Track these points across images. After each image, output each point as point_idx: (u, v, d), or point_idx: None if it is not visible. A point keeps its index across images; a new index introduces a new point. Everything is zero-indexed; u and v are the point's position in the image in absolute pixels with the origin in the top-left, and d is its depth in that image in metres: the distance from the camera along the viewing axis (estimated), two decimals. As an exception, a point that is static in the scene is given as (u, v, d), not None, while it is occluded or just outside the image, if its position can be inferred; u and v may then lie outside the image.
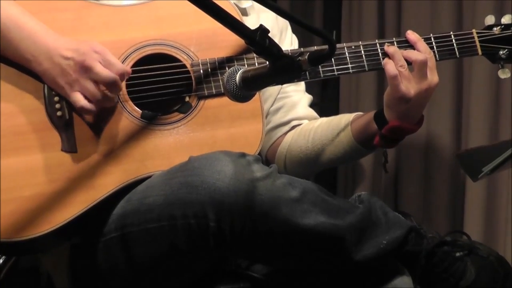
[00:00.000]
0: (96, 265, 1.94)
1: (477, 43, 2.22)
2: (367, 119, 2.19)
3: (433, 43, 2.17)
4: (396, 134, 2.13)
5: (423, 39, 2.16)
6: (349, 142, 2.21)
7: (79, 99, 1.88)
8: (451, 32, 2.21)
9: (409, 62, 2.10)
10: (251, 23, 2.00)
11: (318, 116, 2.40)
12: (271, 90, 2.29)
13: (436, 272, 1.97)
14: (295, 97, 2.36)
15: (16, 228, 1.85)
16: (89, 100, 1.89)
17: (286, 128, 2.35)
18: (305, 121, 2.36)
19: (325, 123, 2.29)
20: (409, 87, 2.07)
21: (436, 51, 2.17)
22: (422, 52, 2.11)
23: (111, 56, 1.90)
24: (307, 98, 2.40)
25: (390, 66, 2.08)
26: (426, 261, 1.96)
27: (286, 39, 2.37)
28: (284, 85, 2.33)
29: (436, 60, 2.17)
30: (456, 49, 2.20)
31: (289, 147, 2.32)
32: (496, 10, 2.95)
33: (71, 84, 1.89)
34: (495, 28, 2.25)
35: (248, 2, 2.28)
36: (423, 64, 2.08)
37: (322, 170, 2.42)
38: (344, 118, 2.25)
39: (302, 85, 2.39)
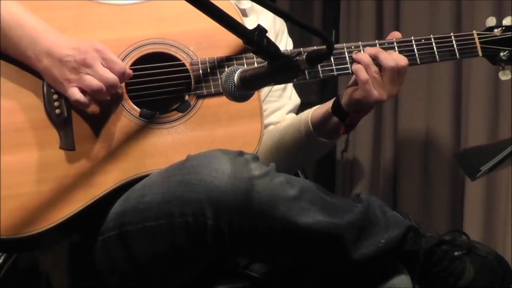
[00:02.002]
0: (95, 263, 1.94)
1: (478, 45, 2.21)
2: (325, 112, 2.17)
3: (433, 43, 2.17)
4: (355, 121, 2.15)
5: (423, 40, 2.16)
6: (309, 136, 2.20)
7: (75, 93, 1.88)
8: (452, 33, 2.20)
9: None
10: (250, 24, 2.00)
11: None
12: (261, 92, 2.28)
13: (435, 271, 1.97)
14: (279, 103, 2.35)
15: (14, 225, 1.85)
16: (85, 94, 1.89)
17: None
18: None
19: (288, 122, 2.29)
20: (382, 92, 2.07)
21: (436, 52, 2.16)
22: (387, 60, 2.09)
23: (111, 54, 1.91)
24: (292, 104, 2.38)
25: (361, 72, 2.07)
26: (425, 260, 1.96)
27: (281, 43, 2.37)
28: (273, 89, 2.33)
29: (437, 61, 2.17)
30: (456, 50, 2.18)
31: (258, 149, 2.31)
32: (494, 10, 2.96)
33: (69, 80, 1.89)
34: (496, 30, 2.23)
35: (247, 3, 2.28)
36: (394, 70, 2.07)
37: (291, 169, 2.41)
38: (304, 114, 2.25)
39: (289, 89, 2.39)
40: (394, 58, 2.07)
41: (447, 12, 3.14)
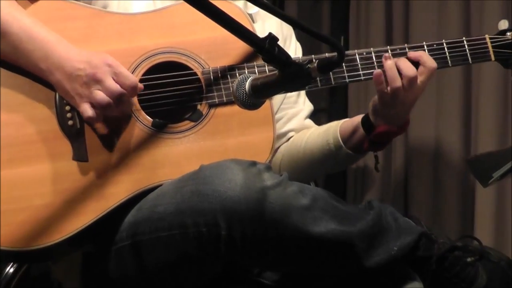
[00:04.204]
0: (107, 273, 1.95)
1: (490, 49, 2.19)
2: (354, 125, 2.20)
3: (445, 49, 2.16)
4: (383, 138, 2.16)
5: (435, 45, 2.16)
6: (338, 149, 2.22)
7: (87, 109, 1.89)
8: (464, 38, 2.19)
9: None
10: (257, 30, 2.01)
11: (316, 126, 2.40)
12: (276, 99, 2.29)
13: (447, 277, 1.97)
14: (295, 109, 2.37)
15: (28, 237, 1.85)
16: (96, 109, 1.90)
17: (284, 139, 2.35)
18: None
19: (315, 132, 2.30)
20: (399, 99, 2.09)
21: (448, 57, 2.15)
22: (428, 63, 2.10)
23: (123, 69, 1.91)
24: (307, 109, 2.40)
25: (381, 82, 2.09)
26: (437, 266, 1.96)
27: (291, 48, 2.37)
28: (287, 95, 2.34)
29: (449, 66, 2.16)
30: (468, 55, 2.17)
31: (283, 157, 2.32)
32: (503, 10, 2.95)
33: (81, 95, 1.90)
34: (508, 33, 2.22)
35: (254, 8, 2.27)
36: (413, 79, 2.08)
37: (313, 178, 2.41)
38: (333, 126, 2.26)
39: (302, 95, 2.40)
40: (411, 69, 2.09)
41: (456, 12, 3.13)
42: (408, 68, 2.08)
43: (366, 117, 2.18)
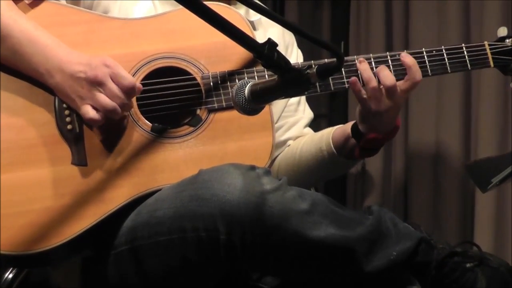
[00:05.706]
0: (107, 278, 1.94)
1: (489, 55, 2.19)
2: (346, 132, 2.20)
3: (445, 55, 2.16)
4: (374, 145, 2.16)
5: (434, 51, 2.16)
6: (331, 156, 2.23)
7: (88, 111, 1.89)
8: (463, 44, 2.19)
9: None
10: (259, 37, 2.01)
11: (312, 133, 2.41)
12: (277, 107, 2.30)
13: (447, 283, 1.97)
14: (295, 117, 2.37)
15: (28, 241, 1.85)
16: (98, 112, 1.90)
17: (283, 148, 2.36)
18: None
19: (309, 139, 2.31)
20: (380, 105, 2.08)
21: (447, 63, 2.15)
22: (412, 75, 2.09)
23: (121, 69, 1.91)
24: (307, 117, 2.41)
25: (358, 89, 2.08)
26: (437, 272, 1.96)
27: (292, 56, 2.38)
28: (288, 104, 2.34)
29: (448, 72, 2.16)
30: (467, 61, 2.17)
31: (279, 165, 2.33)
32: (503, 11, 2.96)
33: (82, 97, 1.90)
34: (507, 40, 2.22)
35: (256, 16, 2.28)
36: (392, 88, 2.07)
37: (311, 185, 2.41)
38: (326, 133, 2.27)
39: (302, 103, 2.40)
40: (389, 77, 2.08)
41: (456, 17, 3.14)
42: (386, 77, 2.07)
43: (356, 124, 2.17)
